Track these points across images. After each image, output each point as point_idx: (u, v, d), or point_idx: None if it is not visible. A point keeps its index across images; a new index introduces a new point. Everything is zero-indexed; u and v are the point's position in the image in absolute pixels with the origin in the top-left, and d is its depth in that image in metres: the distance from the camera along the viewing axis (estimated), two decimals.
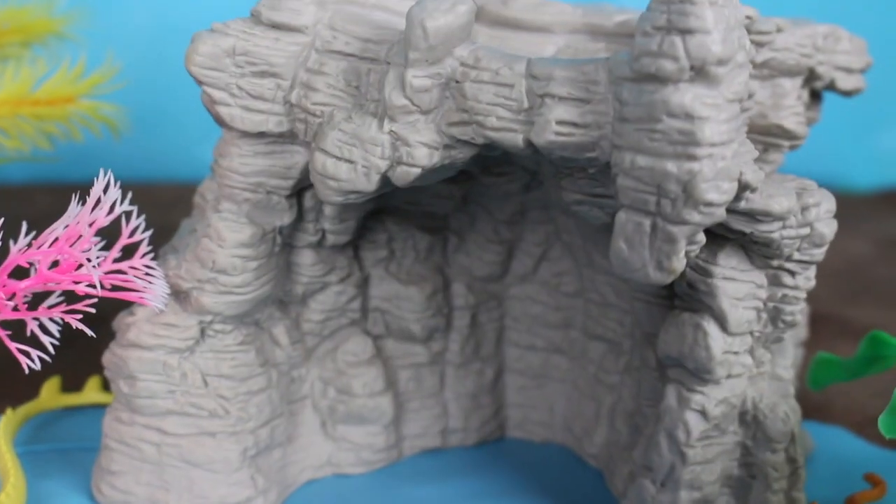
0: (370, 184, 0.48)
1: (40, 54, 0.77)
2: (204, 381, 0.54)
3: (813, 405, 0.68)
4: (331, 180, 0.49)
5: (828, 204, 0.49)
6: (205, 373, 0.54)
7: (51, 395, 0.63)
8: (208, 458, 0.54)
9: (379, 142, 0.48)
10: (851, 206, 1.10)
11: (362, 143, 0.48)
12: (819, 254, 0.49)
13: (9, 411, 0.59)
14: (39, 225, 0.50)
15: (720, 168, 0.42)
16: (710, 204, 0.43)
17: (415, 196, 0.58)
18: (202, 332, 0.54)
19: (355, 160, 0.48)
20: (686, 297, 0.51)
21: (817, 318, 0.73)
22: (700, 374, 0.50)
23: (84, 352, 0.65)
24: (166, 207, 0.69)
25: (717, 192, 0.42)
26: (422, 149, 0.48)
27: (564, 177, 0.50)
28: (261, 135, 0.51)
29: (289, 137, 0.52)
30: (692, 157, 0.42)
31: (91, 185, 0.50)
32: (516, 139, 0.46)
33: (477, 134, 0.47)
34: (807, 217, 0.48)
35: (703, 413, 0.50)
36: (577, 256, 0.60)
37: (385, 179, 0.48)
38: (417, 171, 0.48)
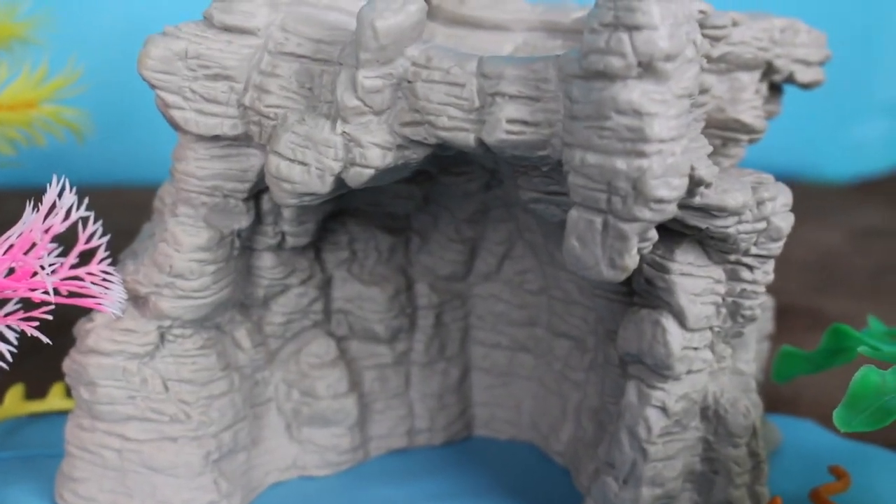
0: (324, 185, 0.48)
1: (2, 59, 0.76)
2: (164, 386, 0.54)
3: (782, 398, 0.68)
4: (285, 182, 0.48)
5: (784, 198, 0.49)
6: (165, 378, 0.54)
7: (14, 402, 0.63)
8: (170, 464, 0.54)
9: (332, 143, 0.48)
10: (824, 197, 1.10)
11: (315, 145, 0.48)
12: (776, 248, 0.49)
13: None
14: (6, 230, 0.50)
15: (669, 164, 0.42)
16: (660, 200, 0.43)
17: (375, 197, 0.58)
18: (162, 336, 0.53)
19: (308, 162, 0.48)
20: (644, 293, 0.51)
21: (789, 310, 0.73)
22: (660, 370, 0.50)
23: (48, 359, 0.64)
24: (134, 211, 0.69)
25: (667, 188, 0.42)
26: (374, 149, 0.47)
27: (520, 175, 0.50)
28: (216, 138, 0.51)
29: (244, 140, 0.51)
30: (641, 154, 0.42)
31: (29, 201, 0.50)
32: (468, 138, 0.46)
33: (429, 134, 0.47)
34: (763, 211, 0.48)
35: (664, 409, 0.50)
36: (540, 254, 0.60)
37: (339, 181, 0.48)
38: (371, 171, 0.48)
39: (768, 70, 0.57)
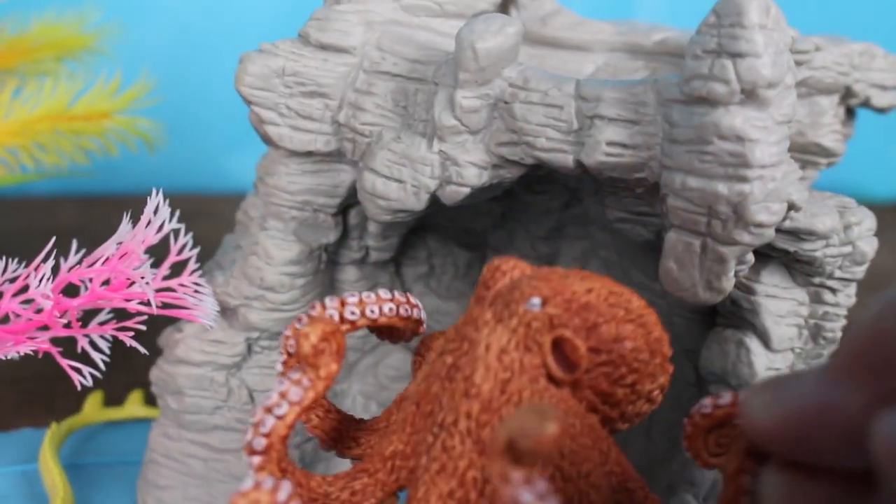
0: (419, 203, 0.49)
1: (73, 69, 0.78)
2: (251, 397, 0.54)
3: None
4: (380, 199, 0.49)
5: (869, 222, 0.49)
6: (251, 388, 0.54)
7: (94, 409, 0.64)
8: None
9: (428, 161, 0.48)
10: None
11: (412, 163, 0.49)
12: (860, 271, 0.50)
13: (54, 425, 0.60)
14: (65, 238, 0.51)
15: (770, 189, 0.43)
16: (760, 225, 0.43)
17: (455, 213, 0.59)
18: (249, 348, 0.54)
19: (405, 179, 0.49)
20: (729, 314, 0.51)
21: (843, 328, 0.74)
22: (743, 390, 0.51)
23: (121, 367, 0.65)
24: (188, 218, 0.69)
25: (767, 213, 0.43)
26: (471, 168, 0.48)
27: (608, 195, 0.51)
28: (308, 154, 0.52)
29: (336, 156, 0.52)
30: (743, 179, 0.43)
31: (114, 197, 0.50)
32: (566, 160, 0.47)
33: (526, 154, 0.48)
34: (849, 235, 0.49)
35: None
36: (614, 272, 0.60)
37: (434, 198, 0.49)
38: (467, 190, 0.48)
39: (846, 94, 0.58)
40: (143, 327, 0.51)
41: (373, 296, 0.43)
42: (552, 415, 0.32)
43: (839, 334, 0.51)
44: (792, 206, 0.46)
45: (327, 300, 0.43)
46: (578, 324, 0.38)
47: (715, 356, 0.51)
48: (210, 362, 0.54)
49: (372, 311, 0.43)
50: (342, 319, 0.42)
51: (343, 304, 0.43)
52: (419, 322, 0.45)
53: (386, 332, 0.45)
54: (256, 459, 0.39)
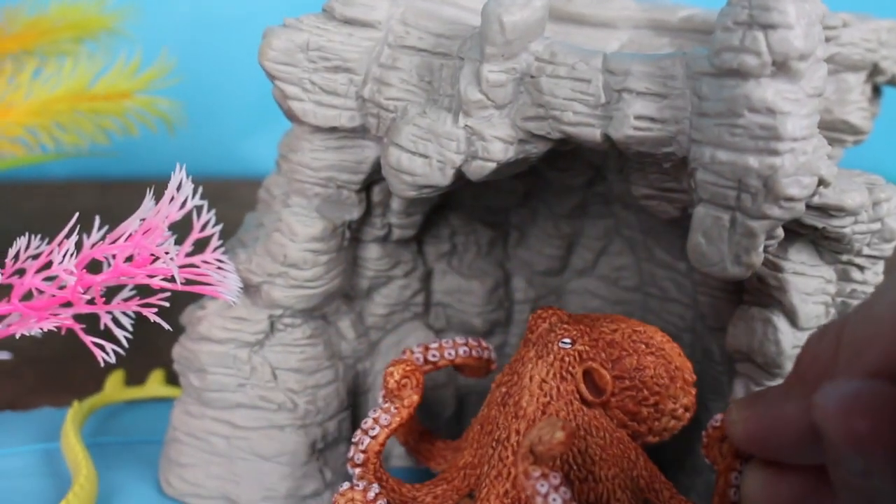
0: (445, 178, 0.49)
1: (93, 50, 0.77)
2: (273, 375, 0.54)
3: None
4: (405, 175, 0.49)
5: None
6: (274, 366, 0.54)
7: (115, 388, 0.64)
8: (277, 451, 0.54)
9: (454, 136, 0.48)
10: None
11: (437, 138, 0.48)
12: (889, 248, 0.50)
13: (75, 403, 0.60)
14: (83, 220, 0.51)
15: (801, 163, 0.43)
16: (790, 199, 0.43)
17: (478, 191, 0.58)
18: (272, 325, 0.54)
19: (430, 155, 0.48)
20: (755, 291, 0.51)
21: None
22: (769, 368, 0.50)
23: (141, 346, 0.65)
24: (209, 201, 0.69)
25: (798, 186, 0.43)
26: (497, 143, 0.48)
27: (634, 171, 0.51)
28: (332, 130, 0.52)
29: (360, 132, 0.52)
30: (774, 152, 0.42)
31: (131, 181, 0.50)
32: (594, 134, 0.47)
33: (553, 129, 0.47)
34: (878, 212, 0.48)
35: None
36: (638, 251, 0.60)
37: (460, 174, 0.49)
38: (493, 165, 0.48)
39: (873, 71, 0.57)
40: (167, 304, 0.50)
41: (451, 341, 0.54)
42: (562, 426, 0.42)
43: None
44: (822, 182, 0.45)
45: (414, 346, 0.53)
46: (605, 357, 0.49)
47: (741, 334, 0.51)
48: (233, 339, 0.53)
49: (450, 354, 0.54)
50: (426, 361, 0.53)
51: (427, 348, 0.53)
52: (490, 361, 0.55)
53: (462, 368, 0.55)
54: (357, 470, 0.50)
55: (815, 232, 0.48)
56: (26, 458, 0.59)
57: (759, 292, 0.51)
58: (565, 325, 0.49)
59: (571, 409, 0.48)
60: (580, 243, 0.62)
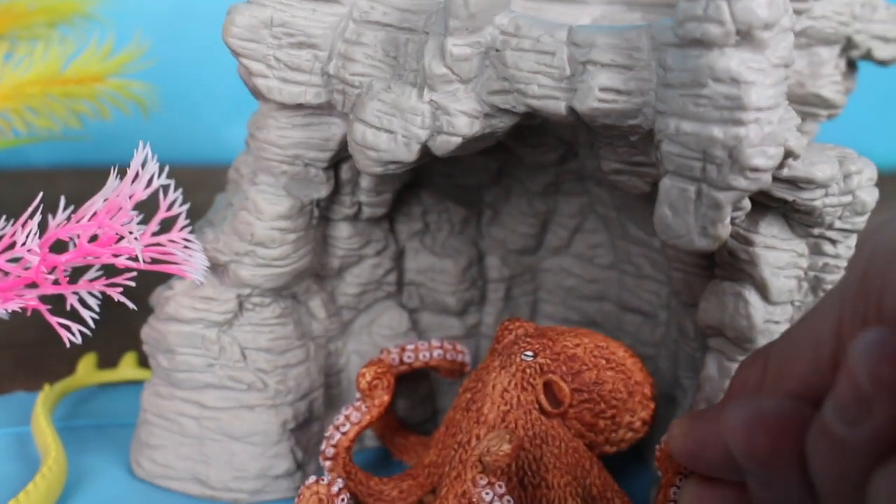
0: (410, 154, 0.48)
1: (67, 34, 0.77)
2: (242, 355, 0.54)
3: None
4: (370, 151, 0.48)
5: (869, 172, 0.48)
6: (243, 346, 0.54)
7: (87, 371, 0.63)
8: (248, 432, 0.54)
9: (419, 111, 0.48)
10: (878, 185, 1.10)
11: (402, 113, 0.48)
12: (860, 222, 0.49)
13: (46, 387, 0.59)
14: (64, 209, 0.50)
15: (767, 133, 0.42)
16: (756, 169, 0.42)
17: (449, 169, 0.58)
18: (240, 305, 0.54)
19: (395, 130, 0.48)
20: (726, 265, 0.50)
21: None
22: (741, 343, 0.50)
23: (117, 329, 0.65)
24: (189, 189, 0.68)
25: (763, 157, 0.42)
26: (462, 118, 0.47)
27: (603, 146, 0.50)
28: (298, 107, 0.51)
29: (326, 109, 0.51)
30: (738, 123, 0.42)
31: (114, 168, 0.50)
32: (559, 107, 0.46)
33: (518, 102, 0.47)
34: (849, 185, 0.48)
35: None
36: (612, 228, 0.60)
37: (425, 149, 0.48)
38: (458, 140, 0.48)
39: (847, 45, 0.57)
40: (133, 283, 0.50)
41: (426, 344, 0.56)
42: (509, 439, 0.45)
43: None
44: (790, 153, 0.45)
45: (391, 347, 0.55)
46: (565, 370, 0.50)
47: (713, 309, 0.50)
48: (201, 319, 0.53)
49: (424, 356, 0.56)
50: (401, 361, 0.55)
51: (403, 349, 0.55)
52: (463, 364, 0.57)
53: (437, 369, 0.57)
54: (328, 463, 0.52)
55: (785, 205, 0.48)
56: None
57: (731, 266, 0.50)
58: (528, 339, 0.51)
59: (530, 419, 0.50)
60: (554, 221, 0.61)
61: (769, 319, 0.49)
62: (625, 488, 0.52)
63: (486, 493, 0.45)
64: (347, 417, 0.52)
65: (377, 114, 0.48)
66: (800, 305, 0.50)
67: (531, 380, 0.50)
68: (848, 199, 0.48)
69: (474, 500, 0.45)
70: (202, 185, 0.70)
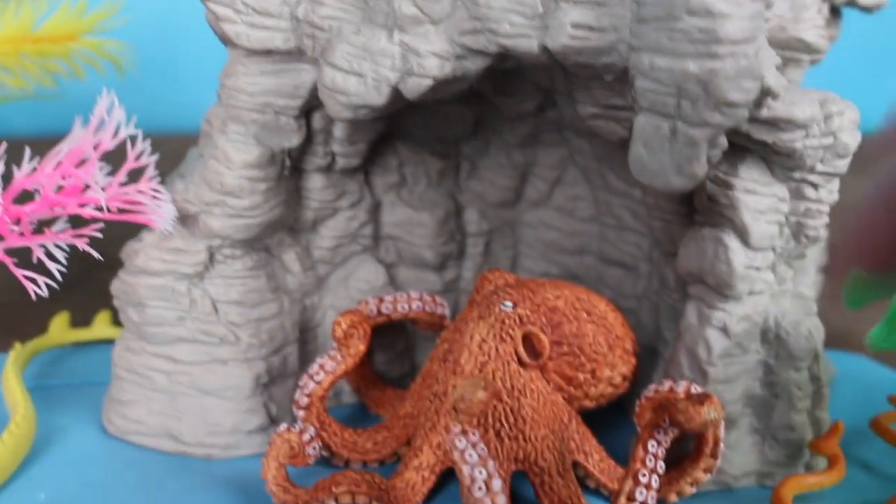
0: (380, 97, 0.47)
1: None
2: (214, 308, 0.53)
3: (834, 334, 0.67)
4: (340, 95, 0.47)
5: (851, 113, 0.47)
6: (215, 299, 0.53)
7: (59, 330, 0.62)
8: (220, 386, 0.53)
9: (389, 53, 0.47)
10: (865, 149, 1.09)
11: (372, 56, 0.47)
12: (842, 165, 0.48)
13: (17, 345, 0.58)
14: None
15: (742, 66, 0.41)
16: (732, 104, 0.41)
17: (426, 119, 0.57)
18: (211, 257, 0.52)
19: (365, 73, 0.47)
20: (706, 211, 0.49)
21: (835, 252, 0.72)
22: (721, 289, 0.49)
23: (92, 290, 0.64)
24: (170, 159, 0.67)
25: (739, 91, 0.41)
26: (433, 59, 0.46)
27: (579, 89, 0.49)
28: (267, 53, 0.50)
29: (296, 55, 0.50)
30: (713, 56, 0.41)
31: (78, 117, 0.49)
32: (531, 45, 0.45)
33: (490, 42, 0.46)
34: (830, 126, 0.47)
35: (725, 330, 0.49)
36: (592, 180, 0.59)
37: (396, 92, 0.47)
38: (429, 81, 0.47)
39: None
40: (100, 234, 0.49)
41: (405, 295, 0.55)
42: (483, 386, 0.44)
43: (822, 232, 0.49)
44: (768, 92, 0.44)
45: (369, 298, 0.55)
46: (545, 322, 0.50)
47: (692, 255, 0.50)
48: (171, 272, 0.52)
49: (403, 307, 0.55)
50: (379, 312, 0.54)
51: (381, 300, 0.55)
52: (443, 317, 0.56)
53: (416, 322, 0.56)
54: (301, 413, 0.51)
55: (765, 148, 0.47)
56: None
57: (710, 212, 0.49)
58: (509, 289, 0.50)
59: (508, 370, 0.49)
60: (534, 173, 0.60)
61: (750, 265, 0.48)
62: (604, 441, 0.52)
63: (460, 441, 0.45)
64: (322, 366, 0.52)
65: (347, 57, 0.47)
66: (781, 252, 0.49)
67: (510, 331, 0.49)
68: (829, 140, 0.47)
69: (447, 446, 0.44)
70: (182, 155, 0.69)
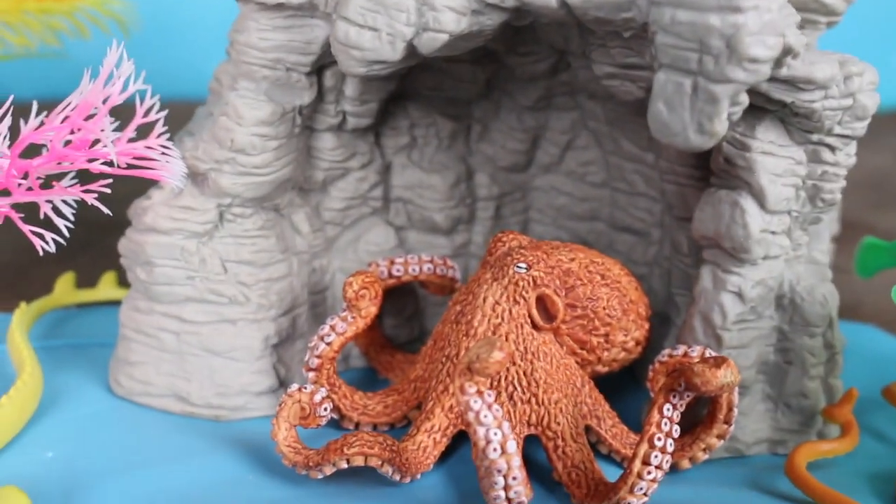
0: (395, 52, 0.46)
1: None
2: (223, 267, 0.52)
3: (843, 304, 0.67)
4: (354, 50, 0.47)
5: (871, 75, 0.47)
6: (224, 258, 0.52)
7: (65, 290, 0.62)
8: (229, 347, 0.52)
9: (404, 7, 0.46)
10: (872, 123, 1.09)
11: (386, 10, 0.46)
12: (861, 127, 0.47)
13: (22, 305, 0.58)
14: None
15: (766, 21, 0.40)
16: (755, 60, 0.41)
17: (438, 80, 0.56)
18: (221, 216, 0.52)
19: (379, 28, 0.46)
20: (723, 173, 0.49)
21: (845, 224, 0.72)
22: (737, 253, 0.48)
23: (99, 255, 0.63)
24: (174, 124, 0.67)
25: (762, 46, 0.40)
26: (449, 13, 0.46)
27: (596, 48, 0.48)
28: (279, 6, 0.49)
29: (308, 9, 0.50)
30: (736, 10, 0.40)
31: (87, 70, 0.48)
32: (549, 0, 0.44)
33: None
34: (849, 87, 0.46)
35: (740, 295, 0.49)
36: (605, 144, 0.58)
37: (411, 48, 0.46)
38: (444, 37, 0.46)
39: None
40: (108, 190, 0.48)
41: (416, 258, 0.54)
42: (500, 346, 0.42)
43: (838, 196, 0.49)
44: (789, 51, 0.43)
45: (380, 260, 0.54)
46: (559, 284, 0.49)
47: (708, 218, 0.49)
48: (180, 230, 0.51)
49: (414, 270, 0.54)
50: (389, 274, 0.54)
51: (392, 262, 0.54)
52: (454, 280, 0.55)
53: (426, 285, 0.56)
54: (311, 374, 0.51)
55: (784, 108, 0.46)
56: None
57: (727, 174, 0.49)
58: (523, 250, 0.50)
59: (521, 333, 0.49)
60: (545, 137, 0.59)
61: (766, 229, 0.48)
62: (617, 408, 0.51)
63: (475, 402, 0.44)
64: (333, 328, 0.51)
65: (361, 11, 0.46)
66: (797, 216, 0.49)
67: (524, 293, 0.49)
68: (848, 102, 0.46)
69: (462, 407, 0.44)
70: (187, 121, 0.68)
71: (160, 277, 0.52)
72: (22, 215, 0.48)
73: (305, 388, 0.48)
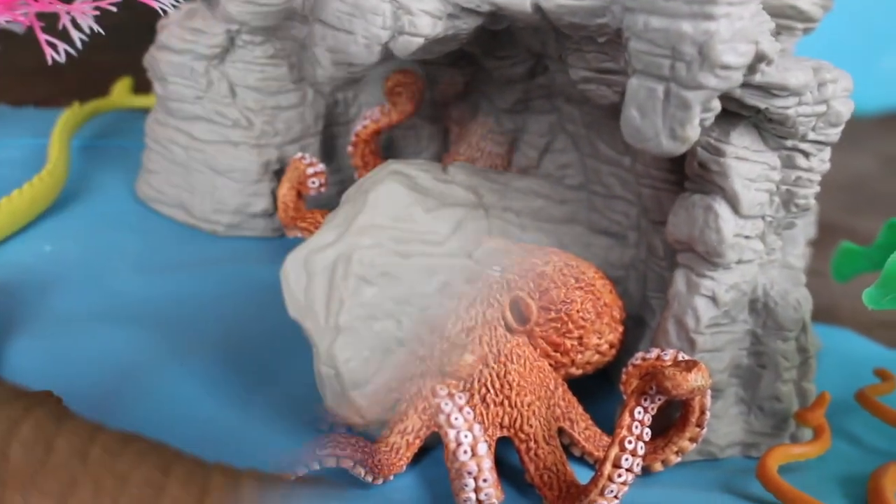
0: (371, 55, 0.47)
1: None
2: (231, 91, 0.55)
3: (820, 307, 0.66)
4: (330, 53, 0.47)
5: (845, 82, 0.46)
6: (233, 82, 0.55)
7: (121, 94, 0.65)
8: (229, 167, 0.56)
9: (380, 11, 0.46)
10: (855, 127, 1.04)
11: (363, 13, 0.46)
12: (834, 134, 0.47)
13: (75, 105, 0.61)
14: None
15: (738, 28, 0.40)
16: (726, 66, 0.40)
17: None
18: (231, 41, 0.54)
19: (355, 31, 0.47)
20: (697, 178, 0.48)
21: (825, 228, 0.71)
22: (710, 257, 0.48)
23: None
24: None
25: (734, 53, 0.40)
26: (425, 18, 0.46)
27: (572, 52, 0.48)
28: None
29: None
30: (709, 17, 0.40)
31: None
32: (524, 5, 0.44)
33: (483, 1, 0.45)
34: (823, 93, 0.45)
35: (713, 299, 0.49)
36: (582, 147, 0.57)
37: (387, 51, 0.47)
38: (420, 41, 0.46)
39: None
40: (115, 9, 0.50)
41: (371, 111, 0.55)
42: (471, 349, 0.44)
43: (811, 201, 0.48)
44: (762, 57, 0.42)
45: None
46: (533, 287, 0.49)
47: (682, 222, 0.49)
48: (190, 51, 0.54)
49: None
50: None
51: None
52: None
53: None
54: (350, 149, 0.55)
55: (758, 114, 0.46)
56: (19, 151, 0.61)
57: (701, 179, 0.48)
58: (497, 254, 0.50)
59: (495, 336, 0.49)
60: (523, 140, 0.59)
61: (739, 233, 0.48)
62: (590, 410, 0.51)
63: (446, 404, 0.44)
64: (369, 115, 0.54)
65: (337, 14, 0.47)
66: (771, 221, 0.48)
67: (497, 295, 0.49)
68: (822, 108, 0.45)
69: (433, 410, 0.45)
70: None
71: (173, 93, 0.55)
72: (43, 24, 0.52)
73: (305, 158, 0.52)
